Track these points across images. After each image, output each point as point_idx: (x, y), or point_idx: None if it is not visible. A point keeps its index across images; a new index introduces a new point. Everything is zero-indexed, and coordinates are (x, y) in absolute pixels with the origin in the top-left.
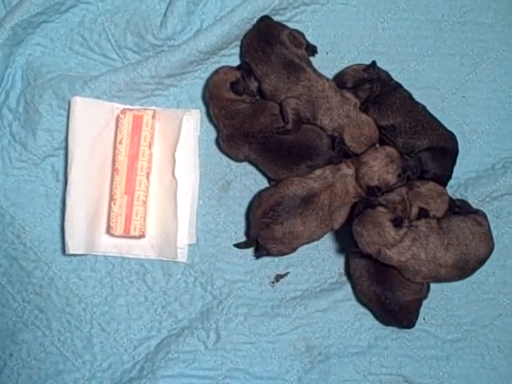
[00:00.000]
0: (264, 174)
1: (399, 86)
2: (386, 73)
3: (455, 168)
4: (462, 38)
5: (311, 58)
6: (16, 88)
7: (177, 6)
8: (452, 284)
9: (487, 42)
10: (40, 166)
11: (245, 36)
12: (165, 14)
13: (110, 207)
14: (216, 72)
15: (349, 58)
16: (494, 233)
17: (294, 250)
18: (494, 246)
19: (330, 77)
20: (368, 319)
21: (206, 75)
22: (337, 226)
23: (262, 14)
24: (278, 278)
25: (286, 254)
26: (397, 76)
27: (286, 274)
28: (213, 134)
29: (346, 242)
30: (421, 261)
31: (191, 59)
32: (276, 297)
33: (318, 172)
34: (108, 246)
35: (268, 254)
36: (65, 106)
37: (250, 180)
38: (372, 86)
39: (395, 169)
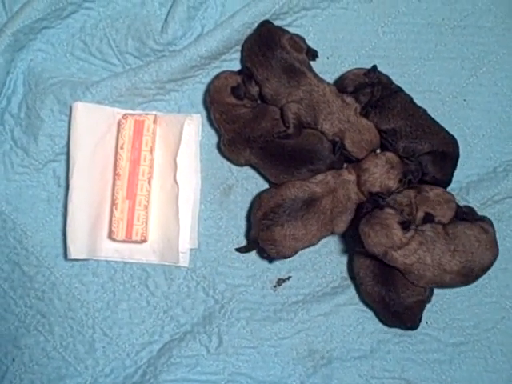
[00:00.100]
0: (265, 179)
1: (400, 89)
2: (387, 77)
3: (457, 171)
4: (463, 41)
5: (312, 63)
6: (18, 93)
7: (178, 11)
8: (455, 288)
9: (488, 46)
10: (42, 171)
11: (245, 41)
12: (166, 19)
13: (111, 212)
14: (217, 77)
15: (349, 63)
16: (496, 236)
17: (295, 252)
18: (498, 253)
19: (331, 81)
20: (370, 323)
21: (207, 80)
22: (339, 232)
23: (263, 18)
24: (280, 282)
25: (287, 256)
26: (397, 80)
27: (288, 278)
28: (214, 139)
29: (350, 244)
30: (426, 265)
31: (192, 64)
32: (278, 301)
33: (319, 177)
34: (110, 250)
35: (269, 257)
36: (66, 112)
37: (251, 184)
38: (373, 90)
39: (396, 174)
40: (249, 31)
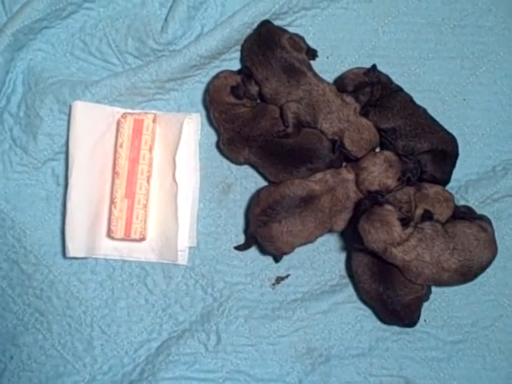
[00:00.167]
0: (264, 177)
1: (400, 89)
2: (387, 76)
3: (456, 170)
4: (463, 41)
5: (312, 62)
6: (17, 93)
7: (177, 11)
8: (453, 286)
9: (487, 45)
10: (41, 170)
11: (245, 40)
12: (166, 19)
13: (110, 210)
14: (216, 76)
15: (349, 62)
16: (495, 235)
17: (293, 249)
18: (497, 252)
19: (331, 80)
20: (369, 321)
21: (207, 79)
22: (338, 230)
23: (263, 18)
24: (279, 280)
25: (284, 253)
26: (397, 79)
27: (287, 276)
28: (213, 138)
29: (348, 241)
30: (425, 263)
31: (192, 63)
32: (277, 299)
33: (318, 175)
34: (108, 249)
35: (270, 254)
36: (66, 111)
37: (250, 183)
38: (372, 90)
39: (394, 173)
40: (249, 31)
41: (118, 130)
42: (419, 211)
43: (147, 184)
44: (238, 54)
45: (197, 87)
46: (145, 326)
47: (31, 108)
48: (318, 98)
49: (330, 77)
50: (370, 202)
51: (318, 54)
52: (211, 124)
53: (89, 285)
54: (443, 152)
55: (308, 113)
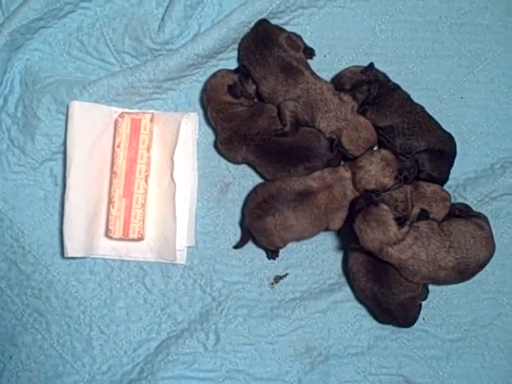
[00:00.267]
0: (262, 177)
1: (397, 87)
2: (384, 74)
3: (454, 168)
4: (460, 39)
5: (309, 61)
6: (15, 93)
7: (174, 10)
8: (450, 284)
9: (485, 43)
10: (39, 170)
11: (242, 39)
12: (162, 19)
13: (108, 210)
14: (214, 75)
15: (347, 61)
16: (493, 233)
17: (285, 244)
18: (494, 250)
19: (328, 79)
20: (367, 320)
21: (204, 78)
22: (335, 228)
23: (260, 17)
24: (278, 279)
25: (278, 247)
26: (395, 77)
27: (286, 276)
28: (211, 137)
29: (345, 240)
30: (421, 261)
31: (189, 63)
32: (275, 298)
33: (316, 173)
34: (107, 248)
35: (271, 252)
36: (63, 111)
37: (248, 182)
38: (370, 88)
39: (391, 171)
40: (246, 30)
41: (115, 130)
42: (416, 210)
43: (145, 183)
44: (235, 53)
45: (194, 86)
46: (144, 325)
47: (29, 108)
48: (315, 97)
49: (327, 75)
50: (365, 201)
51: (316, 52)
52: (209, 123)
53: (87, 285)
54: (440, 151)
55: (306, 111)
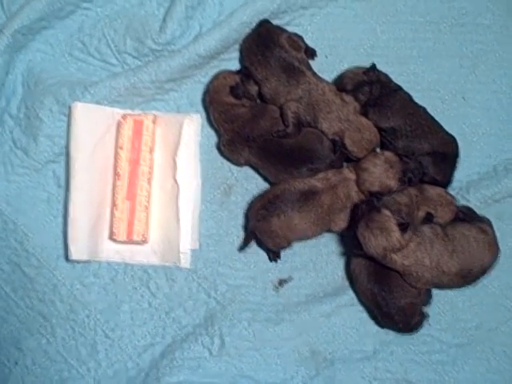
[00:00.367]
0: (265, 179)
1: (399, 88)
2: (386, 75)
3: (457, 170)
4: (461, 39)
5: (311, 62)
6: (17, 94)
7: (176, 10)
8: (454, 289)
9: (486, 44)
10: (41, 172)
11: (244, 40)
12: (164, 19)
13: (112, 213)
14: (215, 76)
15: (348, 61)
16: (497, 235)
17: (289, 243)
18: (498, 254)
19: (330, 80)
20: (373, 324)
21: (206, 79)
22: (337, 229)
23: (261, 17)
24: (282, 282)
25: (283, 247)
26: (396, 78)
27: (290, 279)
28: (214, 139)
29: (348, 245)
30: (424, 266)
31: (191, 64)
32: (280, 302)
33: (321, 174)
34: (111, 251)
35: (273, 253)
36: (65, 112)
37: (251, 184)
38: (372, 89)
39: (395, 173)
40: (247, 30)
41: (118, 132)
42: (421, 213)
43: (148, 186)
44: (236, 54)
45: (196, 87)
46: (148, 329)
47: (31, 109)
48: (317, 98)
49: (329, 76)
50: (367, 207)
51: (317, 53)
52: (211, 125)
53: (92, 288)
54: (443, 154)
55: (308, 112)
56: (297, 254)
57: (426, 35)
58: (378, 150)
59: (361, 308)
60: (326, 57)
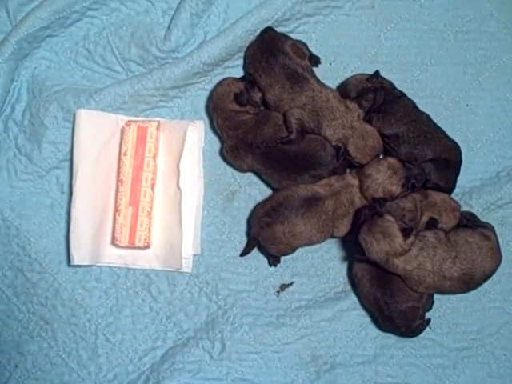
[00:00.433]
0: (268, 185)
1: (403, 95)
2: (390, 82)
3: (460, 176)
4: (465, 46)
5: (315, 69)
6: (22, 101)
7: (180, 18)
8: (455, 294)
9: (490, 51)
10: (45, 178)
11: (248, 47)
12: (169, 27)
13: (114, 218)
14: (220, 83)
15: (352, 68)
16: (499, 240)
17: (293, 250)
18: (500, 260)
19: (334, 87)
20: (373, 328)
21: (210, 86)
22: (339, 235)
23: (266, 25)
24: (283, 287)
25: (286, 253)
26: (400, 85)
27: (291, 284)
28: (217, 145)
29: (350, 250)
30: (426, 271)
31: (195, 71)
32: (281, 306)
33: (323, 181)
34: (113, 256)
35: (273, 258)
36: (70, 119)
37: (254, 190)
38: (375, 96)
39: (398, 179)
40: (251, 38)
41: (122, 138)
42: (424, 219)
43: (151, 191)
44: (241, 61)
45: (200, 94)
46: (149, 333)
47: (36, 116)
48: (321, 105)
49: (332, 83)
50: (369, 212)
51: (321, 60)
52: (215, 131)
53: (93, 293)
54: (446, 161)
55: (312, 119)
56: (298, 259)
57: (429, 42)
58: (381, 156)
59: (362, 312)
60: (330, 64)
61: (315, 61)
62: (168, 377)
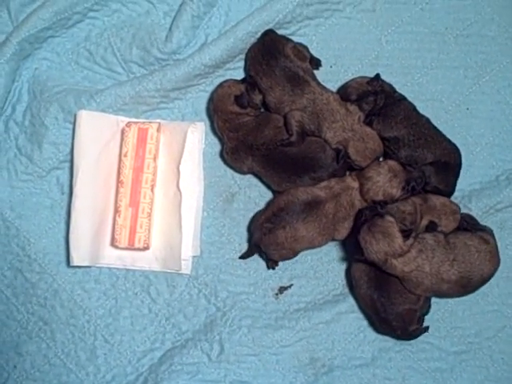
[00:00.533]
0: (268, 187)
1: (403, 98)
2: (390, 85)
3: (459, 179)
4: (466, 50)
5: (315, 72)
6: (22, 102)
7: (182, 20)
8: (452, 297)
9: (490, 55)
10: (45, 179)
11: (249, 49)
12: (170, 29)
13: (114, 219)
14: (220, 85)
15: (353, 71)
16: (498, 244)
17: (296, 254)
18: (499, 264)
19: (334, 90)
20: (371, 331)
21: (211, 88)
22: (340, 238)
23: (267, 27)
24: (282, 289)
25: (288, 258)
26: (401, 88)
27: (290, 286)
28: (217, 147)
29: (350, 251)
30: (424, 273)
31: (196, 73)
32: (280, 309)
33: (323, 183)
34: (112, 257)
35: (269, 260)
36: (71, 120)
37: (254, 192)
38: (376, 99)
39: (399, 182)
40: (252, 40)
41: (122, 139)
42: (424, 222)
43: (151, 193)
44: (242, 63)
45: (201, 96)
46: (148, 335)
47: (36, 117)
48: (322, 107)
49: (333, 86)
50: (370, 213)
51: (322, 63)
52: (215, 133)
53: (92, 294)
54: (446, 164)
55: (312, 121)
56: (297, 262)
57: (430, 46)
58: (381, 159)
59: (360, 315)
60: (331, 67)
61: (316, 63)
62: (166, 378)
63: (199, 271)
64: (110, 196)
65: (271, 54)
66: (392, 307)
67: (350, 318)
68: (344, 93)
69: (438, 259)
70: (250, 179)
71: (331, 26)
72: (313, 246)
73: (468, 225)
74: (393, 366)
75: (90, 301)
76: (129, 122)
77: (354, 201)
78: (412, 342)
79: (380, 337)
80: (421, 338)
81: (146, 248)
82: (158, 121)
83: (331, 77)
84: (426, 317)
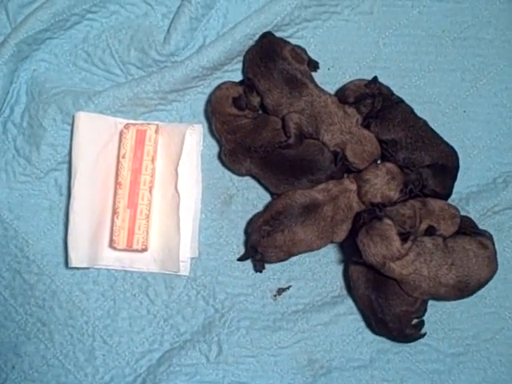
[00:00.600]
0: (266, 189)
1: (401, 100)
2: (388, 88)
3: (457, 182)
4: (463, 53)
5: (313, 74)
6: (21, 103)
7: (180, 22)
8: (450, 300)
9: (488, 58)
10: (44, 180)
11: (247, 52)
12: (168, 31)
13: (112, 221)
14: (218, 87)
15: (350, 74)
16: (496, 247)
17: (290, 256)
18: (496, 269)
19: (332, 92)
20: (369, 333)
21: (209, 90)
22: (338, 240)
23: (265, 30)
24: (280, 291)
25: (284, 260)
26: (398, 91)
27: (288, 288)
28: (215, 149)
29: (348, 253)
30: (422, 276)
31: (194, 75)
32: (278, 310)
33: (321, 186)
34: (111, 259)
35: (266, 262)
36: (69, 121)
37: (252, 194)
38: (373, 101)
39: (397, 185)
40: (250, 42)
41: (120, 141)
42: (423, 226)
43: (149, 194)
44: (240, 66)
45: (199, 98)
46: (146, 336)
47: (34, 118)
48: (319, 110)
49: (331, 88)
50: (368, 216)
51: (320, 65)
52: (213, 135)
53: (91, 295)
54: (444, 166)
55: (310, 124)
56: (296, 263)
57: (428, 49)
58: (378, 161)
59: (358, 317)
60: (329, 69)
61: (314, 66)
62: (164, 379)
63: (197, 273)
64: (108, 197)
65: (269, 56)
66: (389, 308)
67: (348, 319)
68: (342, 95)
69: (436, 263)
70: (248, 181)
71: (329, 29)
72: (311, 249)
73: (467, 229)
74: (391, 368)
75: (89, 302)
76: (127, 124)
77: (352, 203)
78: (410, 343)
79: (378, 338)
80: (419, 339)
81: (144, 249)
82: (156, 123)
83: (329, 79)
84: (424, 318)
